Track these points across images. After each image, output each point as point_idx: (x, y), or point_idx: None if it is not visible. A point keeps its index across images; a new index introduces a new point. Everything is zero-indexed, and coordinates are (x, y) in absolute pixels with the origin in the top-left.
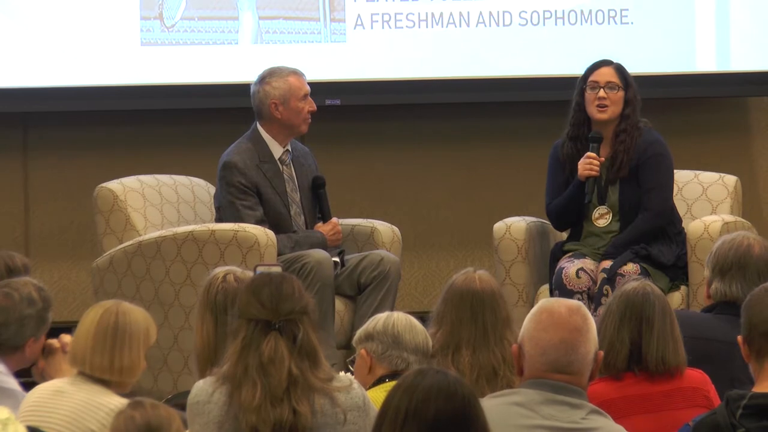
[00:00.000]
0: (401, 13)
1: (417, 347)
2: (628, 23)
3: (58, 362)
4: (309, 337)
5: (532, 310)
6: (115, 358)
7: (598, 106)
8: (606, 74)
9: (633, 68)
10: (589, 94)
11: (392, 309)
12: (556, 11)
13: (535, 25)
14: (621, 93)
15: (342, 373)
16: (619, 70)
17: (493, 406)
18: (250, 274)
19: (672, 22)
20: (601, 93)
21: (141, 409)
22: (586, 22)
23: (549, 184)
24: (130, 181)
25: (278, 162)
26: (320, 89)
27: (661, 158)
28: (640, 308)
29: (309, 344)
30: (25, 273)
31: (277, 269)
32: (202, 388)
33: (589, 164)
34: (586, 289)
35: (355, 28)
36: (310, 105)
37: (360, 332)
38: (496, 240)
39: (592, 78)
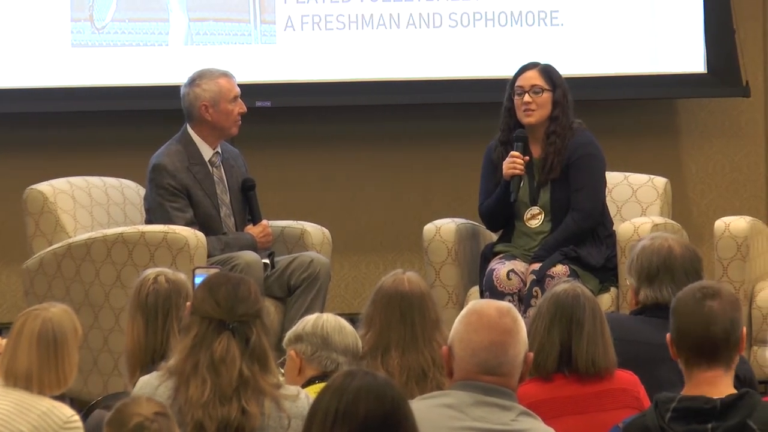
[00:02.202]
0: (331, 15)
1: (347, 348)
2: (558, 25)
3: None
4: (261, 341)
5: (462, 312)
6: (60, 372)
7: (524, 111)
8: (530, 78)
9: (563, 70)
10: (516, 99)
11: (322, 311)
12: (486, 13)
13: (465, 26)
14: (547, 95)
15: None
16: (545, 71)
17: (422, 407)
18: (181, 275)
19: (602, 24)
20: (526, 98)
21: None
22: (517, 23)
23: (482, 185)
24: (60, 183)
25: (208, 164)
26: (250, 91)
27: (590, 158)
28: (570, 310)
29: (260, 348)
30: None
31: (215, 272)
32: (147, 381)
33: (512, 163)
34: (516, 290)
35: (285, 29)
36: (241, 107)
37: (290, 334)
38: (426, 242)
39: (518, 83)
